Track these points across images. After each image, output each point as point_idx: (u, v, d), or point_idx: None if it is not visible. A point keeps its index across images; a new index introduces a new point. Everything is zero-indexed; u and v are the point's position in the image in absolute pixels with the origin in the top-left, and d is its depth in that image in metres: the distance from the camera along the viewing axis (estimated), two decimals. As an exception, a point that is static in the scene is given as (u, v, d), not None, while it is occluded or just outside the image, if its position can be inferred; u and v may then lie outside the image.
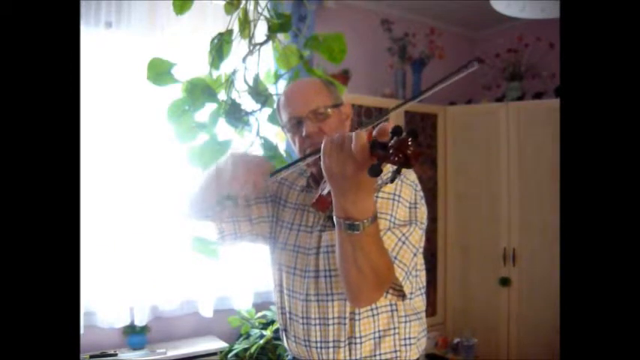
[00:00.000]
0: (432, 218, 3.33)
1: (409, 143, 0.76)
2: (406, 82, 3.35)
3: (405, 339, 1.20)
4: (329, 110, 1.21)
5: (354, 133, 0.86)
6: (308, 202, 1.26)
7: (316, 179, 1.29)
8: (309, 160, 1.10)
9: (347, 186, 0.89)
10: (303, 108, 1.20)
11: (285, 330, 1.29)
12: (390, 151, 0.77)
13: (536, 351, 2.99)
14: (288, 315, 1.27)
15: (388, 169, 0.82)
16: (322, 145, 0.91)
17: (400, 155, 0.76)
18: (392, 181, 0.81)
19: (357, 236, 0.93)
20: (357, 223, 0.91)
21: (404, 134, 0.78)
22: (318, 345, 1.20)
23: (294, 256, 1.25)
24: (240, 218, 1.35)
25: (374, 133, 0.86)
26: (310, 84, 1.28)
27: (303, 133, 1.19)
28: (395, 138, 0.78)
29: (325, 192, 1.03)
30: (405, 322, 1.21)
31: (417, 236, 1.14)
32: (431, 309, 3.31)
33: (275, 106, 1.33)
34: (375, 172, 0.80)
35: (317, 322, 1.20)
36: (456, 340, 3.18)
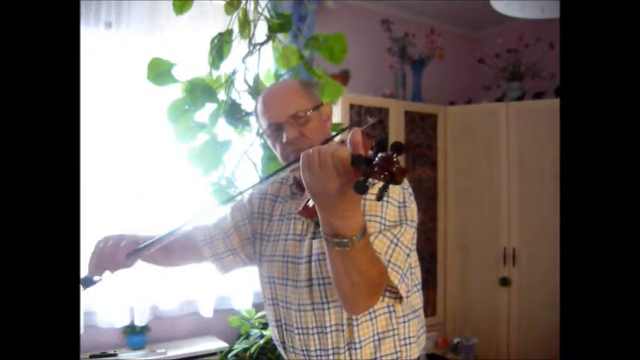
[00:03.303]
0: (432, 218, 3.33)
1: (394, 160, 0.73)
2: (406, 82, 3.36)
3: (404, 339, 1.19)
4: (309, 113, 1.17)
5: (333, 148, 0.82)
6: (294, 210, 1.23)
7: (300, 185, 1.26)
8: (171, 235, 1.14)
9: (331, 202, 0.84)
10: (282, 113, 1.16)
11: (283, 342, 1.27)
12: (376, 169, 0.75)
13: (536, 351, 2.99)
14: (284, 327, 1.24)
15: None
16: (301, 162, 0.86)
17: (386, 173, 0.74)
18: (379, 199, 0.77)
19: (347, 251, 0.90)
20: (345, 240, 0.88)
21: (389, 149, 0.75)
22: (318, 353, 1.18)
23: (284, 266, 1.23)
24: (222, 255, 1.36)
25: (348, 146, 0.83)
26: (287, 87, 1.24)
27: (284, 139, 1.15)
28: (379, 154, 0.75)
29: (311, 202, 1.00)
30: (404, 321, 1.19)
31: (409, 236, 1.12)
32: (431, 309, 3.31)
33: (254, 111, 1.30)
34: (362, 189, 0.76)
35: (314, 330, 1.17)
36: (456, 340, 3.18)
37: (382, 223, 1.10)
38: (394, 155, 0.74)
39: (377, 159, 0.75)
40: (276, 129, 1.18)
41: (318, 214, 0.89)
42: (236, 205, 1.41)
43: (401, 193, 1.13)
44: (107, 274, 1.20)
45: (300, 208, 1.06)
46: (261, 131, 1.26)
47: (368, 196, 1.10)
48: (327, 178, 0.82)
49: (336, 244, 0.89)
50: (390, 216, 1.11)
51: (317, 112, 1.20)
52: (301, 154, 0.87)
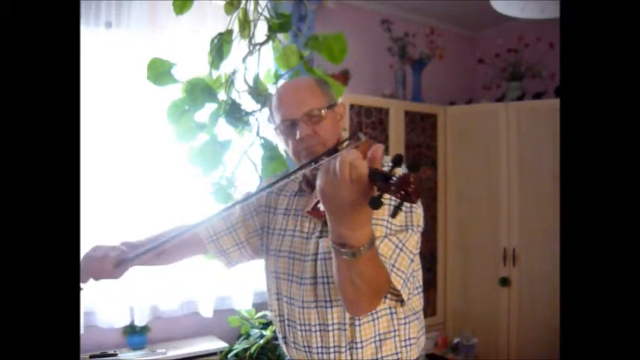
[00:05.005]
0: (432, 218, 3.33)
1: (411, 180, 0.74)
2: (406, 82, 3.36)
3: (405, 340, 1.20)
4: (323, 112, 1.17)
5: (352, 157, 0.81)
6: (301, 206, 1.24)
7: (309, 183, 1.26)
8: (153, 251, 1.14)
9: (342, 211, 0.84)
10: (297, 110, 1.17)
11: (285, 337, 1.27)
12: (392, 187, 0.76)
13: (536, 351, 2.99)
14: (286, 322, 1.25)
15: None
16: (320, 169, 0.86)
17: (402, 192, 0.75)
18: (393, 216, 0.78)
19: (354, 261, 0.90)
20: (353, 250, 0.88)
21: (404, 166, 0.76)
22: (319, 351, 1.19)
23: (290, 262, 1.24)
24: (228, 250, 1.37)
25: (369, 154, 0.83)
26: (303, 84, 1.25)
27: (297, 136, 1.16)
28: (397, 175, 0.76)
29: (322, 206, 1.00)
30: (405, 323, 1.20)
31: (414, 241, 1.13)
32: (431, 309, 3.31)
33: (268, 106, 1.31)
34: (377, 205, 0.77)
35: (317, 328, 1.18)
36: (456, 340, 3.18)
37: (388, 227, 1.10)
38: (411, 175, 0.75)
39: (394, 177, 0.76)
40: (290, 125, 1.18)
41: (328, 222, 0.89)
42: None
43: None
44: (91, 281, 1.19)
45: (310, 208, 1.06)
46: (274, 126, 1.26)
47: None
48: (341, 187, 0.81)
49: (343, 254, 0.89)
50: (396, 220, 1.11)
51: (331, 111, 1.21)
52: (322, 166, 0.86)
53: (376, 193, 0.79)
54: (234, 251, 1.37)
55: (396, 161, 0.78)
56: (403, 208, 1.12)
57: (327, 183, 0.83)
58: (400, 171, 0.77)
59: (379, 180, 0.79)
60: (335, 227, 0.88)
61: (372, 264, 0.94)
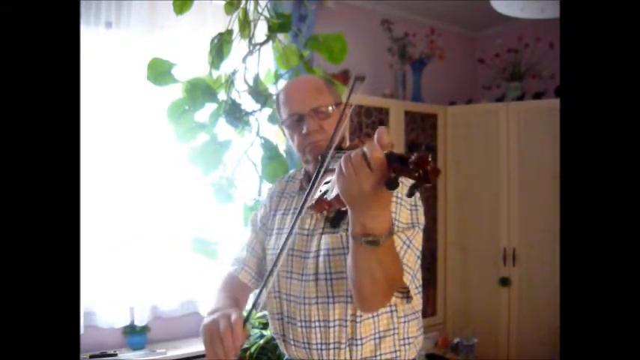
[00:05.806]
0: (432, 218, 3.33)
1: (429, 159, 0.75)
2: (406, 82, 3.36)
3: (404, 339, 1.21)
4: (330, 109, 1.20)
5: (367, 148, 0.83)
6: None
7: (310, 179, 1.28)
8: None
9: (366, 202, 0.86)
10: (305, 105, 1.20)
11: (283, 335, 1.28)
12: (411, 167, 0.77)
13: (536, 351, 2.99)
14: (285, 319, 1.26)
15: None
16: (336, 172, 0.88)
17: (421, 171, 0.76)
18: (410, 195, 0.79)
19: (374, 250, 0.92)
20: (376, 239, 0.90)
21: (422, 149, 0.77)
22: (319, 347, 1.19)
23: (289, 259, 1.25)
24: (256, 272, 1.39)
25: (375, 139, 0.84)
26: (312, 81, 1.28)
27: (304, 131, 1.18)
28: (415, 153, 0.77)
29: (330, 196, 1.00)
30: (404, 322, 1.21)
31: (420, 239, 1.15)
32: (431, 309, 3.31)
33: (274, 101, 1.33)
34: (393, 185, 0.79)
35: (317, 324, 1.19)
36: (456, 340, 3.18)
37: (396, 225, 1.12)
38: (429, 155, 0.76)
39: (412, 157, 0.77)
40: (296, 120, 1.21)
41: (350, 215, 0.91)
42: (251, 216, 1.46)
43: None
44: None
45: (313, 202, 1.06)
46: (280, 121, 1.28)
47: None
48: (362, 181, 0.83)
49: (366, 243, 0.91)
50: (403, 218, 1.14)
51: (337, 109, 1.23)
52: (340, 161, 0.87)
53: (392, 175, 0.81)
54: (260, 269, 1.39)
55: (412, 148, 0.79)
56: (408, 207, 1.15)
57: (348, 183, 0.85)
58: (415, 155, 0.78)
59: (396, 162, 0.80)
60: (358, 219, 0.90)
61: (390, 253, 0.97)
